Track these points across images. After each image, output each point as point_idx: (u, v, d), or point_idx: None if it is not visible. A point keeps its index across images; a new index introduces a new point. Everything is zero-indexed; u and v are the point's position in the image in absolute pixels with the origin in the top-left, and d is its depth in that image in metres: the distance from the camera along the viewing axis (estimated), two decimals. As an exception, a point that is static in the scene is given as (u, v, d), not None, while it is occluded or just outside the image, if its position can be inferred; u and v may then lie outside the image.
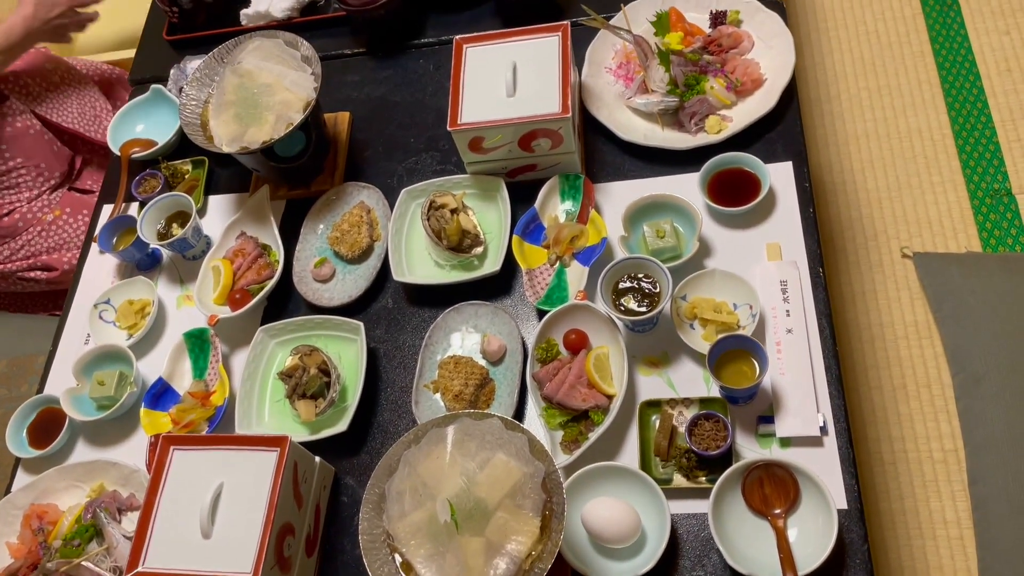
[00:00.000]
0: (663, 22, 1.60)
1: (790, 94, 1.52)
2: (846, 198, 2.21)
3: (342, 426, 1.36)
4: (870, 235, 2.15)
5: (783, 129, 1.51)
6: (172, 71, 1.86)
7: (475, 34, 1.54)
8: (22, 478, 1.52)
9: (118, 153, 1.80)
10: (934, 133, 2.26)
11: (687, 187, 1.47)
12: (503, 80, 1.46)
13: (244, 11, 1.92)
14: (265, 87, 1.52)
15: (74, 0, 1.92)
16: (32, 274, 2.12)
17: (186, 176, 1.75)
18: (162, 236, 1.64)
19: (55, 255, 2.09)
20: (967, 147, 2.22)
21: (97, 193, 2.14)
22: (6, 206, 2.02)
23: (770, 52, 1.58)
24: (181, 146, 1.81)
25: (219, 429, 1.42)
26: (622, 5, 1.62)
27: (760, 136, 1.50)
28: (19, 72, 2.02)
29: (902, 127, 2.29)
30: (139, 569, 1.17)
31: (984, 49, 2.35)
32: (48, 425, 1.53)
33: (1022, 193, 2.12)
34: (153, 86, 1.85)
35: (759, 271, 1.37)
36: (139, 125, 1.86)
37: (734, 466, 1.17)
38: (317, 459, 1.32)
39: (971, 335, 1.94)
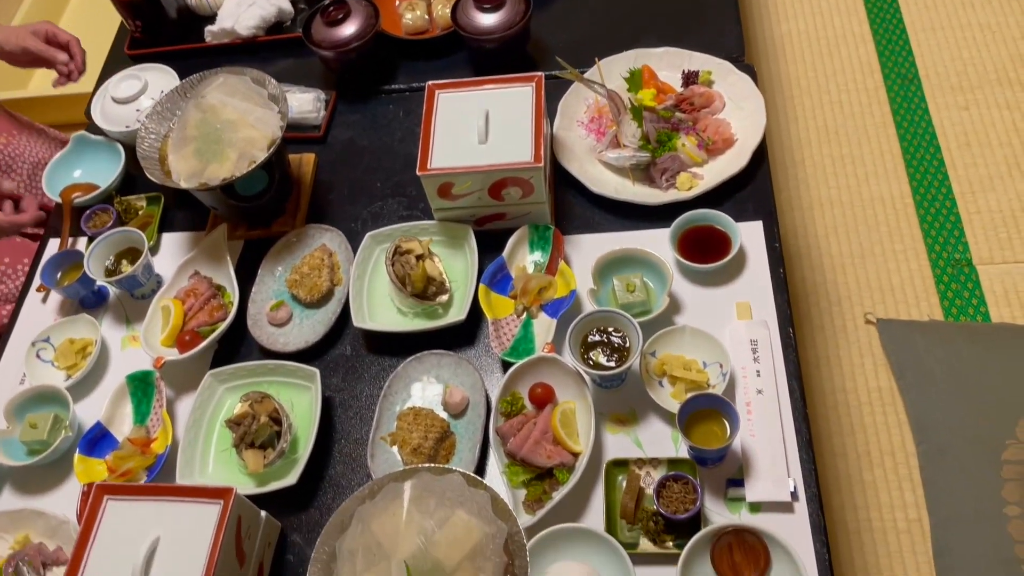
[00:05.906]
0: (636, 79, 1.61)
1: (761, 155, 1.52)
2: (811, 262, 2.21)
3: (291, 479, 1.28)
4: (834, 300, 2.15)
5: (753, 189, 1.50)
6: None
7: (448, 80, 1.52)
8: (-61, 527, 1.40)
9: (59, 200, 1.72)
10: (896, 202, 2.30)
11: (657, 242, 1.44)
12: (475, 127, 1.44)
13: (209, 28, 1.91)
14: (228, 123, 1.47)
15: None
16: None
17: (140, 212, 1.68)
18: (110, 273, 1.57)
19: None
20: (928, 217, 2.25)
21: (36, 236, 2.03)
22: None
23: (741, 113, 1.58)
24: (131, 184, 1.75)
25: (159, 479, 1.33)
26: (597, 59, 1.62)
27: (730, 195, 1.49)
28: None
29: (865, 195, 2.32)
30: (60, 630, 1.07)
31: (944, 123, 2.40)
32: (-28, 470, 1.42)
33: (982, 264, 2.14)
34: (74, 135, 1.79)
35: (729, 330, 1.34)
36: (76, 171, 1.79)
37: (704, 530, 1.13)
38: (263, 513, 1.24)
39: (935, 405, 1.93)
